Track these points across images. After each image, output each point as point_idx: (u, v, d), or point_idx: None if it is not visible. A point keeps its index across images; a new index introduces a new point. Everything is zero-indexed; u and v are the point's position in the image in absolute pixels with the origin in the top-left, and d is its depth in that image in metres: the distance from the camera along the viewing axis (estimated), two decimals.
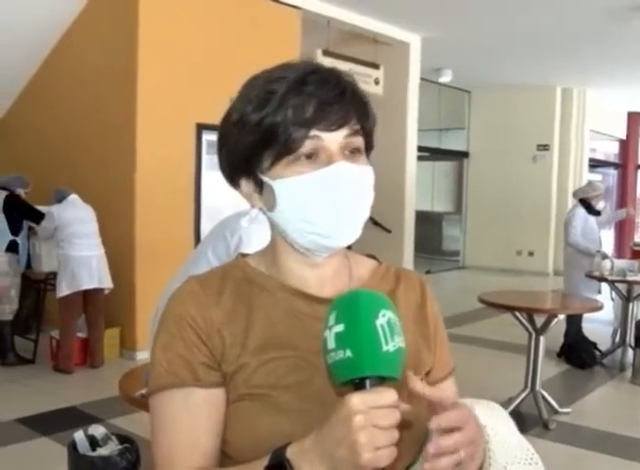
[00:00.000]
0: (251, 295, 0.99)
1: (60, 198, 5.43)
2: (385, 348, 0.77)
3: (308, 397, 0.92)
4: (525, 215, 12.02)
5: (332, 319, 0.79)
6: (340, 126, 0.91)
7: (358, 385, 0.77)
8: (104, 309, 5.54)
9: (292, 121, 0.90)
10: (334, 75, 0.94)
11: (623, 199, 15.26)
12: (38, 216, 5.51)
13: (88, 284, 5.29)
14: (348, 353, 0.76)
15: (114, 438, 2.68)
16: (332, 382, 0.82)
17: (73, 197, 5.44)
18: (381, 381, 0.77)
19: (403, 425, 0.75)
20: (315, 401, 0.91)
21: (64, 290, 5.27)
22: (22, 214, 5.57)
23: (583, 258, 6.01)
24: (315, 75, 0.92)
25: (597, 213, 6.19)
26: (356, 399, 0.74)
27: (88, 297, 5.41)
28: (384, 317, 0.78)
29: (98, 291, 5.42)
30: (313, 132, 0.90)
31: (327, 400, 0.88)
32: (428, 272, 11.49)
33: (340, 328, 0.78)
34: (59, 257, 5.36)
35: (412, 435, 0.93)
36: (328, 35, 7.55)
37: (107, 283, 5.45)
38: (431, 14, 7.67)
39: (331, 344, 0.78)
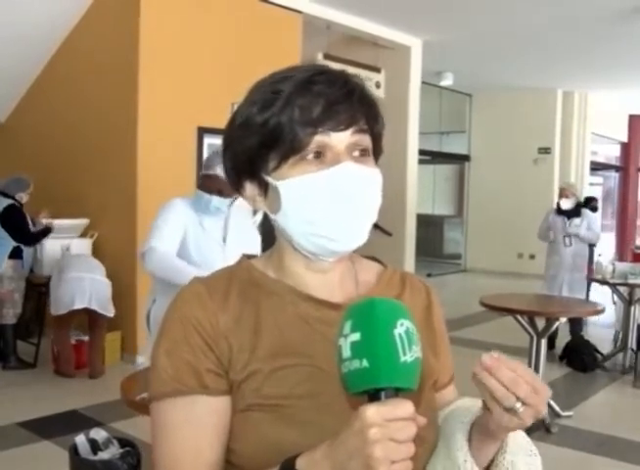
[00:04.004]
0: (258, 298, 0.95)
1: None
2: (402, 358, 0.74)
3: (321, 406, 0.89)
4: (526, 218, 11.97)
5: (347, 327, 0.76)
6: (347, 126, 0.89)
7: (373, 395, 0.74)
8: (104, 332, 5.50)
9: (298, 121, 0.87)
10: (342, 76, 0.93)
11: (624, 201, 15.25)
12: (29, 239, 5.54)
13: (80, 303, 5.16)
14: (365, 364, 0.73)
15: (115, 441, 2.67)
16: (344, 391, 0.79)
17: None
18: (396, 392, 0.74)
19: (418, 439, 0.72)
20: (327, 411, 0.88)
21: (59, 310, 5.20)
22: (14, 232, 5.43)
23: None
24: (323, 76, 0.91)
25: (561, 212, 6.52)
26: (372, 412, 0.71)
27: (91, 317, 5.36)
28: (402, 326, 0.75)
29: (99, 314, 5.32)
30: (320, 132, 0.88)
31: (337, 410, 0.87)
32: (429, 275, 11.48)
33: (356, 337, 0.75)
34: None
35: (426, 448, 0.92)
36: (329, 39, 7.57)
37: (95, 305, 5.23)
38: (431, 17, 7.69)
39: (346, 353, 0.75)
